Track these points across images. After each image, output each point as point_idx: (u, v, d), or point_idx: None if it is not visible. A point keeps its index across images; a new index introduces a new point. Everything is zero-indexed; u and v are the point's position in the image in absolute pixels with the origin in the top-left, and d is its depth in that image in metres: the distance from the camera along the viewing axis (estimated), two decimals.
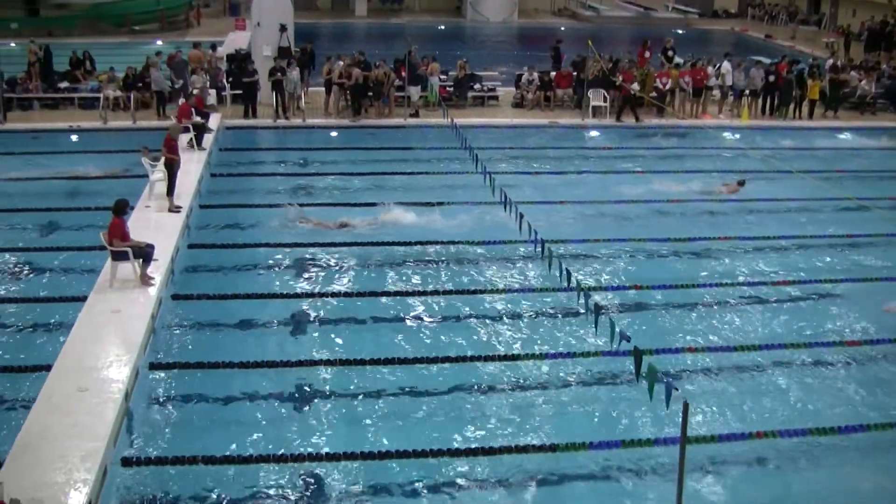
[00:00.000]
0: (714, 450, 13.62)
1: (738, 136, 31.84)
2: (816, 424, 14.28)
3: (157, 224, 20.44)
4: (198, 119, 26.91)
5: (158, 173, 22.20)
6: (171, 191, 21.57)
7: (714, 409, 14.88)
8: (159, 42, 45.10)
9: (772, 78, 33.79)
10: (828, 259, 21.22)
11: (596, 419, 14.60)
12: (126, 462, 12.79)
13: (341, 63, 31.99)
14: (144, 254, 17.38)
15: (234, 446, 13.34)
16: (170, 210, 21.31)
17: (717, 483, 13.06)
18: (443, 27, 58.99)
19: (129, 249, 17.15)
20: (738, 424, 14.38)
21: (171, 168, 21.52)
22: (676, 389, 10.94)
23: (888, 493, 13.08)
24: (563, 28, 59.51)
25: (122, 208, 17.57)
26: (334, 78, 31.72)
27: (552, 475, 13.06)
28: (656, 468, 13.23)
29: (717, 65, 34.27)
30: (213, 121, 29.03)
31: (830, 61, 37.62)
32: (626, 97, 32.74)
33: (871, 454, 13.86)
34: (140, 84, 31.82)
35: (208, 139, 27.30)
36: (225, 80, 33.05)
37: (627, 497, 12.80)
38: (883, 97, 36.04)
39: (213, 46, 36.28)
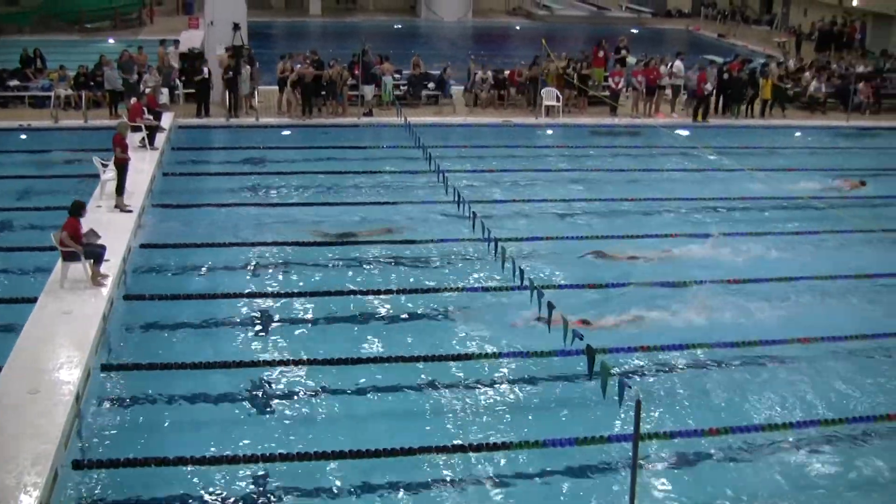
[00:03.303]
0: (667, 446, 13.73)
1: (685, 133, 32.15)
2: (771, 420, 14.45)
3: (108, 224, 20.20)
4: (149, 118, 26.70)
5: (109, 173, 22.03)
6: (121, 190, 21.40)
7: (668, 406, 14.96)
8: (111, 40, 44.62)
9: (725, 76, 34.07)
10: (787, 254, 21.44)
11: (550, 418, 14.62)
12: (77, 465, 12.65)
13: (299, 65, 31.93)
14: (96, 254, 17.24)
15: (187, 448, 13.19)
16: (121, 210, 21.15)
17: (669, 480, 13.13)
18: (397, 26, 58.90)
19: (80, 250, 17.01)
20: (691, 421, 14.48)
21: (122, 168, 21.34)
22: (629, 387, 11.01)
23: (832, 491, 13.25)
24: (518, 27, 59.86)
25: (78, 209, 17.46)
26: (290, 77, 31.61)
27: (506, 474, 13.07)
28: (610, 466, 13.30)
29: (670, 64, 34.48)
30: (166, 120, 28.80)
31: (782, 61, 38.02)
32: (701, 97, 33.06)
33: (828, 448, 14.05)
34: (92, 83, 31.54)
35: (160, 138, 27.10)
36: (178, 79, 32.83)
37: (581, 495, 12.83)
38: (833, 97, 36.41)
39: (174, 42, 36.23)
